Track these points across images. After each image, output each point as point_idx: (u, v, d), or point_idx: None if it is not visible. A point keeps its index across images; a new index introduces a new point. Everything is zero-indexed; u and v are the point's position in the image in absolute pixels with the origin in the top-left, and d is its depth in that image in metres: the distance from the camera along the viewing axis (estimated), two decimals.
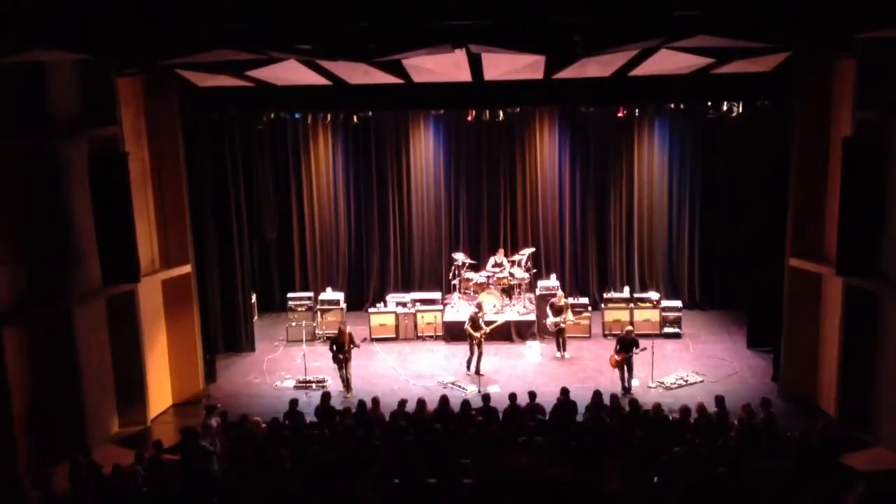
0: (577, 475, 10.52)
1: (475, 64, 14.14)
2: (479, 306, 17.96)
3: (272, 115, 18.53)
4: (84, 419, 13.79)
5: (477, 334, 17.02)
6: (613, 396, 13.64)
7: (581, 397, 13.78)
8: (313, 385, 16.70)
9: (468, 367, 17.17)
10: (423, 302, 19.76)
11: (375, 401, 13.57)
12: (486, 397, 13.79)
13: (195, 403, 15.99)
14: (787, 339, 15.94)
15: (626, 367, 16.04)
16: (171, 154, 15.75)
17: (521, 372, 17.38)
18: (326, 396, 13.91)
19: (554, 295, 18.57)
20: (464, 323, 17.59)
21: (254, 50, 12.78)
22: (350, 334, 16.57)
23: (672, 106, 18.44)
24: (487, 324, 17.30)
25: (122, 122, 14.53)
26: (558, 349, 18.11)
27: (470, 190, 21.37)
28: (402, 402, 13.50)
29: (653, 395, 15.74)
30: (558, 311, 18.05)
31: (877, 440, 13.54)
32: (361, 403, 13.65)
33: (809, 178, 15.24)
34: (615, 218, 21.19)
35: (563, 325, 18.01)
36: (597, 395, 13.52)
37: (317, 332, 19.48)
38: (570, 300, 18.86)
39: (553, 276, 20.17)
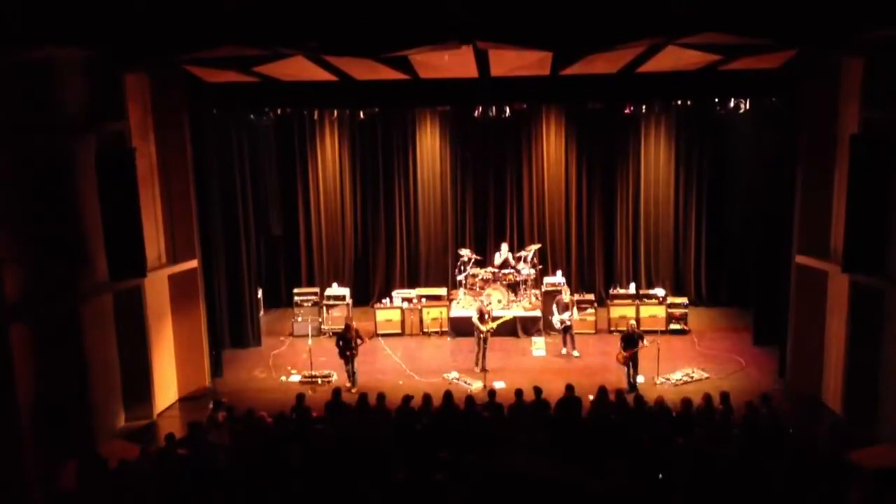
0: (571, 473, 10.62)
1: (482, 60, 14.15)
2: (487, 300, 17.92)
3: (279, 111, 18.56)
4: (90, 414, 13.83)
5: (484, 328, 17.03)
6: (618, 392, 13.64)
7: (586, 393, 13.79)
8: (319, 380, 16.77)
9: (477, 364, 17.17)
10: (429, 297, 19.82)
11: (381, 396, 13.58)
12: (491, 393, 13.81)
13: (201, 398, 16.05)
14: (794, 336, 15.96)
15: (631, 364, 16.05)
16: (178, 150, 15.79)
17: (527, 368, 17.38)
18: (338, 392, 13.93)
19: (560, 292, 18.57)
20: (470, 318, 17.61)
21: (261, 46, 12.81)
22: (357, 330, 16.62)
23: (679, 103, 18.44)
24: (494, 319, 17.31)
25: (130, 117, 14.57)
26: (564, 345, 18.10)
27: (476, 186, 21.38)
28: (407, 398, 13.52)
29: (658, 392, 15.71)
30: (564, 308, 18.04)
31: (882, 437, 13.52)
32: (363, 397, 13.73)
33: (816, 175, 15.23)
34: (621, 214, 21.19)
35: (569, 323, 18.00)
36: (602, 391, 13.53)
37: (323, 327, 19.54)
38: (576, 297, 18.87)
39: (559, 272, 20.17)
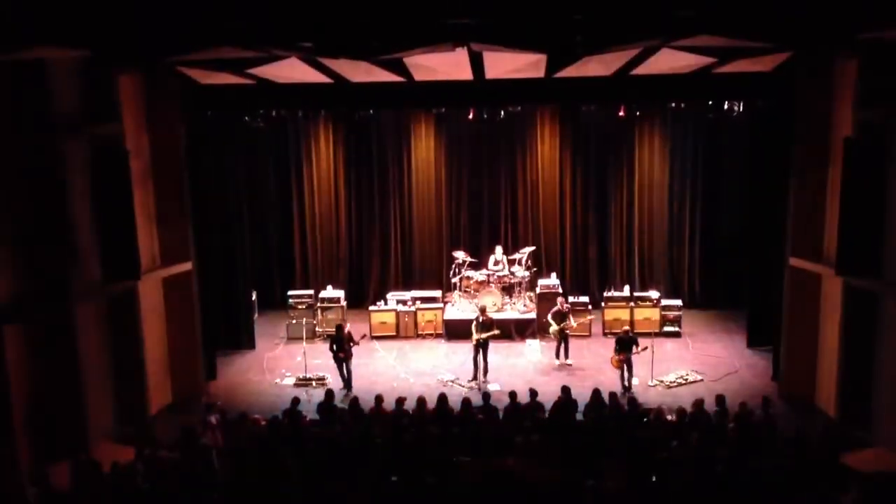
0: (567, 475, 10.61)
1: (476, 62, 14.14)
2: (483, 310, 17.59)
3: (273, 113, 18.52)
4: (84, 416, 13.77)
5: (475, 337, 16.81)
6: (613, 395, 13.63)
7: (581, 396, 13.79)
8: (313, 383, 16.73)
9: (485, 376, 16.83)
10: (424, 300, 19.77)
11: (378, 398, 13.55)
12: (486, 395, 13.80)
13: (195, 401, 16.00)
14: (787, 339, 15.96)
15: (625, 367, 16.03)
16: (172, 151, 15.75)
17: (521, 370, 17.37)
18: (330, 394, 13.93)
19: (557, 296, 18.34)
20: (464, 320, 17.44)
21: (256, 47, 12.79)
22: (349, 332, 16.59)
23: (673, 105, 18.45)
24: (487, 328, 16.79)
25: (124, 119, 14.54)
26: (557, 356, 17.63)
27: (470, 188, 21.39)
28: (401, 400, 13.51)
29: (653, 394, 15.77)
30: (562, 317, 17.68)
31: (876, 440, 13.54)
32: (355, 400, 13.71)
33: (810, 178, 15.25)
34: (615, 217, 21.20)
35: (567, 332, 17.62)
36: (596, 393, 13.53)
37: (317, 329, 19.50)
38: (571, 299, 18.80)
39: (553, 274, 20.15)
